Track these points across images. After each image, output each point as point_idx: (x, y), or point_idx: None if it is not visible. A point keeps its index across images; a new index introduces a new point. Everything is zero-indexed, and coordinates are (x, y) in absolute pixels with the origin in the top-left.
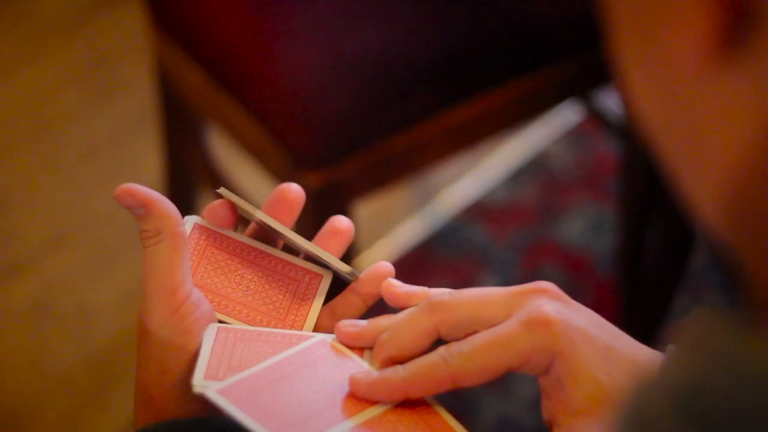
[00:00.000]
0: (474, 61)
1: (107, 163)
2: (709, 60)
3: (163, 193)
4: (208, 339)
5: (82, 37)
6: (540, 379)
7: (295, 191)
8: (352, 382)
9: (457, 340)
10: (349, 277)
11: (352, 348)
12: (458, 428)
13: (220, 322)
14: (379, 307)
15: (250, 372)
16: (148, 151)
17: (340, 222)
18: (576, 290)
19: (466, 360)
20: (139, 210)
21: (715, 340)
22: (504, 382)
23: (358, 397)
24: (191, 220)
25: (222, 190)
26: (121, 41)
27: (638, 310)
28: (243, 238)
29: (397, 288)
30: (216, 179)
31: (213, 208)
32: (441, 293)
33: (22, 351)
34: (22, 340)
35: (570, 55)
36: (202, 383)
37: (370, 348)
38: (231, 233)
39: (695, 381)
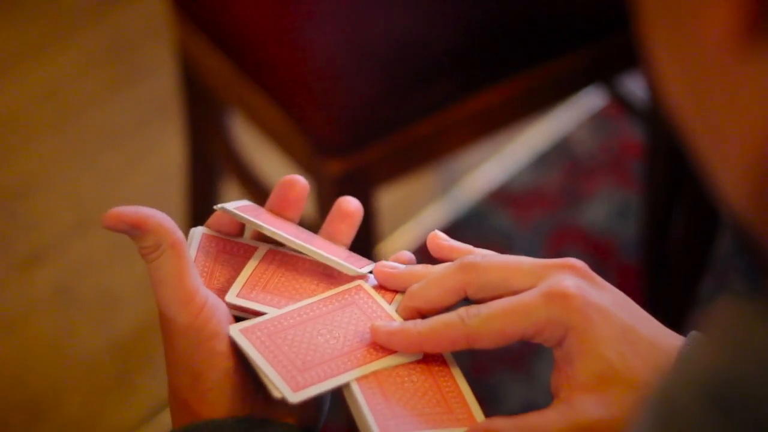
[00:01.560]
0: (497, 46)
1: (130, 149)
2: (735, 46)
3: (186, 180)
4: (255, 258)
5: (104, 24)
6: (554, 351)
7: (298, 185)
8: (372, 329)
9: (482, 302)
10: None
11: (385, 293)
12: (469, 397)
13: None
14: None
15: (278, 313)
16: (171, 136)
17: (348, 204)
18: (600, 275)
19: (481, 322)
20: (135, 231)
21: (741, 328)
22: (528, 368)
23: (377, 346)
24: (198, 232)
25: (220, 207)
26: (144, 27)
27: (663, 295)
28: (252, 241)
29: (442, 240)
30: (238, 165)
31: (217, 217)
32: (477, 254)
33: (45, 337)
34: (46, 325)
35: (594, 40)
36: (233, 299)
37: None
38: (239, 239)
39: (722, 369)
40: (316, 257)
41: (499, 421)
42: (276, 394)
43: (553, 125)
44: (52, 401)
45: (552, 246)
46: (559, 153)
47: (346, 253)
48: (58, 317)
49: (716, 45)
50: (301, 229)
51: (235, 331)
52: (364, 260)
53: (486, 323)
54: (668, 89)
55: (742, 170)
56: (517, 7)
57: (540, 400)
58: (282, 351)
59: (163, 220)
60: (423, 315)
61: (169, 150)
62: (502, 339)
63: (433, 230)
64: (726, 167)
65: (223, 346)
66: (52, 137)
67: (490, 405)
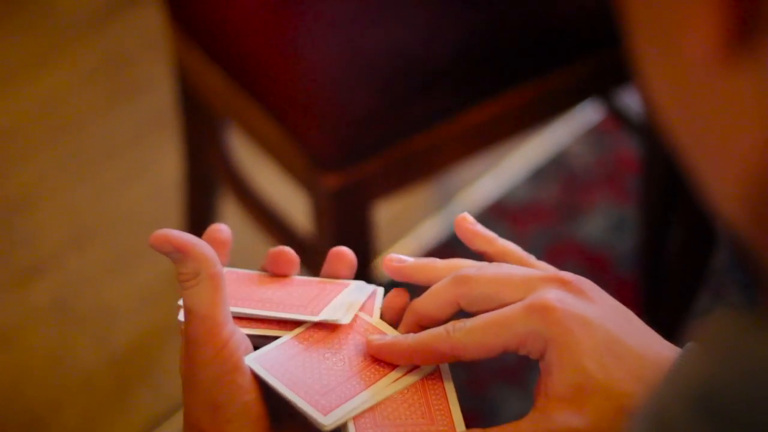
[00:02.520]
0: (494, 60)
1: (127, 164)
2: (719, 60)
3: (183, 194)
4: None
5: (101, 38)
6: (539, 363)
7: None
8: (368, 343)
9: (476, 314)
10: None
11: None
12: (455, 409)
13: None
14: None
15: (284, 339)
16: (168, 151)
17: (340, 250)
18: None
19: (464, 335)
20: (176, 254)
21: (731, 338)
22: (524, 381)
23: (383, 363)
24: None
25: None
26: (141, 41)
27: (659, 309)
28: (250, 271)
29: (469, 224)
30: (235, 179)
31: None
32: (473, 266)
33: (43, 350)
34: (43, 339)
35: (590, 54)
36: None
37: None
38: (240, 270)
39: (712, 380)
40: (281, 318)
41: None
42: (318, 420)
43: (550, 139)
44: (49, 415)
45: (549, 260)
46: (555, 167)
47: (318, 289)
48: (56, 331)
49: (700, 59)
50: (279, 286)
51: (252, 361)
52: (332, 294)
53: (469, 335)
54: (658, 104)
55: (734, 183)
56: (514, 22)
57: None
58: (299, 377)
59: (206, 249)
60: (424, 327)
61: (166, 164)
62: (485, 351)
63: (463, 213)
64: (718, 180)
65: (244, 380)
66: (50, 151)
67: (487, 419)
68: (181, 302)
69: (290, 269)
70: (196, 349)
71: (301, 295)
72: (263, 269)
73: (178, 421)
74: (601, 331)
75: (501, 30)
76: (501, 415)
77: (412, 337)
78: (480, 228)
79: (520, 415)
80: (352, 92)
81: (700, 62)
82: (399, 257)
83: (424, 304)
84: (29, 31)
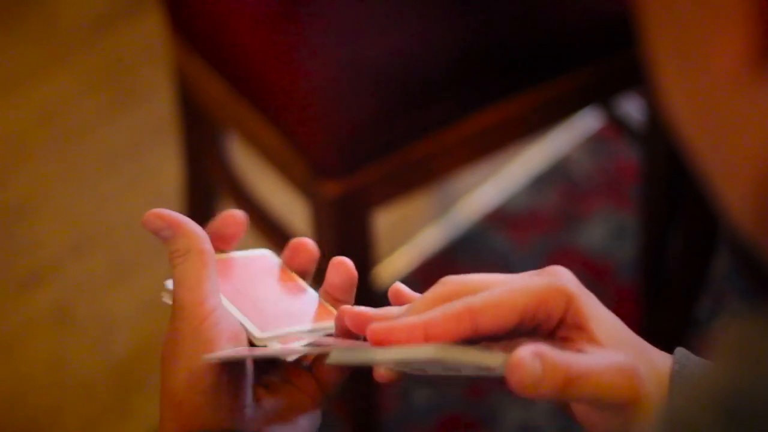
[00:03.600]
0: (494, 67)
1: (127, 172)
2: (745, 74)
3: (183, 202)
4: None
5: (101, 46)
6: (556, 332)
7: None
8: (372, 331)
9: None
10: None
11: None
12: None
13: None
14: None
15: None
16: (168, 159)
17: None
18: (597, 297)
19: (482, 299)
20: (167, 232)
21: (753, 346)
22: None
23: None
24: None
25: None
26: (141, 50)
27: (660, 317)
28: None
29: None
30: (236, 187)
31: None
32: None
33: (43, 358)
34: (43, 347)
35: (591, 62)
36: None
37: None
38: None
39: (736, 388)
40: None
41: (545, 348)
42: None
43: (550, 147)
44: (49, 423)
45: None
46: (555, 175)
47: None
48: (56, 339)
49: (726, 72)
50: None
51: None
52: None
53: (487, 298)
54: (673, 111)
55: (747, 188)
56: (514, 29)
57: (538, 422)
58: (252, 300)
59: (196, 228)
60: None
61: (166, 172)
62: (506, 312)
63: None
64: (730, 185)
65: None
66: (51, 159)
67: (487, 426)
68: (167, 283)
69: (309, 262)
70: (181, 320)
71: (282, 308)
72: (285, 262)
73: None
74: (608, 312)
75: (500, 37)
76: (502, 423)
77: (426, 314)
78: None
79: (521, 424)
80: (352, 100)
81: (724, 74)
82: (382, 318)
83: (407, 314)
84: (30, 40)
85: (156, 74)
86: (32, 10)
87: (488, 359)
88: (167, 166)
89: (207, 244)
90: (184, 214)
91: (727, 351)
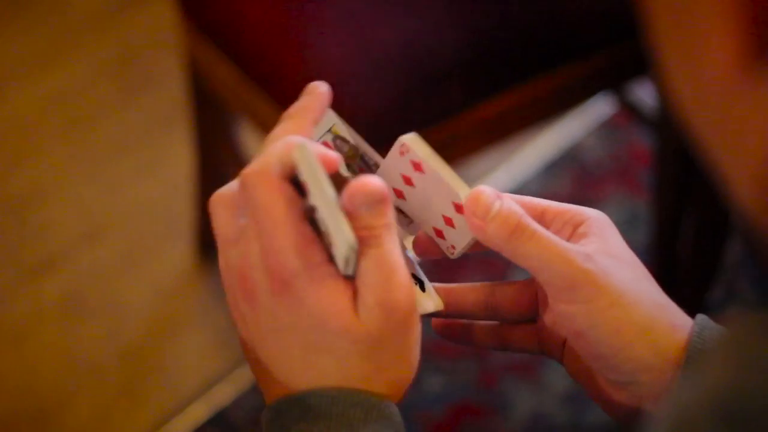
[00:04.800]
0: (506, 53)
1: (139, 159)
2: (740, 73)
3: (195, 189)
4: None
5: (113, 33)
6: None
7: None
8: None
9: (513, 308)
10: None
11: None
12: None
13: None
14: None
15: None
16: (180, 146)
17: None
18: None
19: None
20: (378, 206)
21: (753, 344)
22: (537, 376)
23: None
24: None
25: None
26: (152, 36)
27: None
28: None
29: (477, 220)
30: None
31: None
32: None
33: (53, 345)
34: (54, 334)
35: (603, 47)
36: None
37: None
38: None
39: (735, 387)
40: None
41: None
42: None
43: (562, 133)
44: (60, 410)
45: None
46: (568, 161)
47: None
48: (67, 325)
49: (721, 71)
50: None
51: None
52: None
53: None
54: (679, 102)
55: (751, 177)
56: (526, 15)
57: (548, 409)
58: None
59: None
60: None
61: (178, 159)
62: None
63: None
64: (736, 173)
65: None
66: (62, 146)
67: (499, 413)
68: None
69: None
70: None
71: None
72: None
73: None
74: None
75: (512, 23)
76: (513, 409)
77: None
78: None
79: (532, 410)
80: (364, 87)
81: (721, 75)
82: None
83: (454, 287)
84: (41, 27)
85: (167, 60)
86: None
87: (457, 182)
88: (179, 152)
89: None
90: (196, 201)
91: (727, 349)
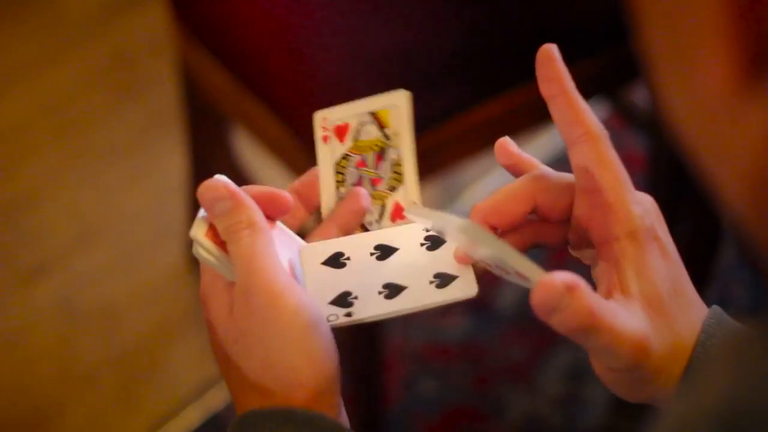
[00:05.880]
0: (500, 57)
1: (132, 163)
2: (732, 89)
3: (188, 194)
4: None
5: (106, 37)
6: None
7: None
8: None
9: (550, 213)
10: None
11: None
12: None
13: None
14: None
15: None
16: (173, 151)
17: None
18: None
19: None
20: (227, 203)
21: (753, 358)
22: (531, 380)
23: None
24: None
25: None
26: (146, 41)
27: None
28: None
29: (511, 147)
30: (241, 179)
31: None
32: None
33: (47, 350)
34: (48, 338)
35: (597, 52)
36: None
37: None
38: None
39: (735, 401)
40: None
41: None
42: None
43: (557, 137)
44: (55, 415)
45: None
46: (562, 164)
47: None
48: (61, 330)
49: (716, 87)
50: None
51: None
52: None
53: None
54: (671, 113)
55: (745, 190)
56: (521, 18)
57: (541, 412)
58: None
59: (251, 200)
60: (493, 228)
61: (171, 164)
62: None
63: (505, 137)
64: (729, 185)
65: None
66: (55, 150)
67: (493, 416)
68: (196, 235)
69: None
70: (261, 296)
71: None
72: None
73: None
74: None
75: (506, 27)
76: (507, 413)
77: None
78: (522, 154)
79: (525, 414)
80: (358, 90)
81: (713, 90)
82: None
83: (493, 199)
84: (35, 31)
85: (161, 66)
86: (37, 2)
87: (527, 267)
88: (172, 157)
89: (263, 217)
90: (189, 207)
91: (727, 362)
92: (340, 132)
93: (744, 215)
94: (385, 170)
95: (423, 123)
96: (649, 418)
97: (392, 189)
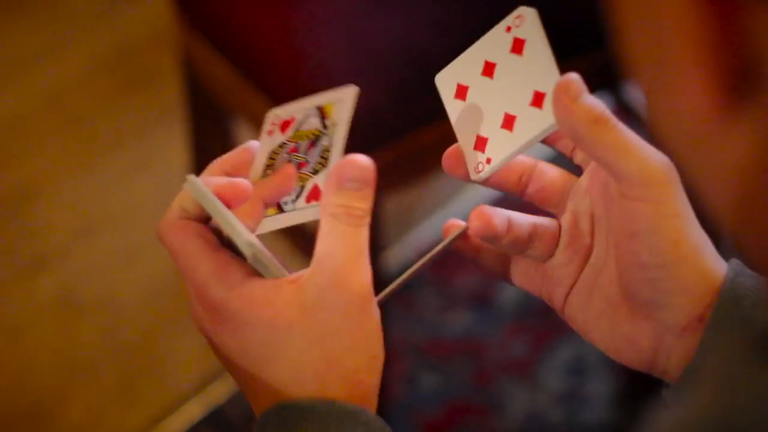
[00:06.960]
0: None
1: (134, 156)
2: (713, 114)
3: None
4: None
5: (108, 30)
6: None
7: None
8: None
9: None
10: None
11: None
12: None
13: None
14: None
15: None
16: (175, 143)
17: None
18: None
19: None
20: (360, 185)
21: (738, 374)
22: (532, 375)
23: None
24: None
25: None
26: (148, 33)
27: None
28: None
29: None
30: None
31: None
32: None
33: (48, 343)
34: (49, 332)
35: (597, 47)
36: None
37: None
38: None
39: (721, 418)
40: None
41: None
42: None
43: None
44: (55, 408)
45: None
46: (562, 160)
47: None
48: (62, 323)
49: (698, 111)
50: None
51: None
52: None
53: None
54: (658, 132)
55: (730, 204)
56: None
57: (543, 408)
58: None
59: None
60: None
61: (173, 157)
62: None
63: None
64: (715, 199)
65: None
66: (56, 143)
67: (493, 412)
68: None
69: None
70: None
71: None
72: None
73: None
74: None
75: None
76: (508, 409)
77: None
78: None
79: (527, 410)
80: (360, 85)
81: (694, 114)
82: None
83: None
84: (37, 23)
85: (162, 58)
86: None
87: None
88: (173, 149)
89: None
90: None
91: (712, 379)
92: (285, 125)
93: (732, 231)
94: (314, 156)
95: (424, 118)
96: (647, 416)
97: (315, 172)
